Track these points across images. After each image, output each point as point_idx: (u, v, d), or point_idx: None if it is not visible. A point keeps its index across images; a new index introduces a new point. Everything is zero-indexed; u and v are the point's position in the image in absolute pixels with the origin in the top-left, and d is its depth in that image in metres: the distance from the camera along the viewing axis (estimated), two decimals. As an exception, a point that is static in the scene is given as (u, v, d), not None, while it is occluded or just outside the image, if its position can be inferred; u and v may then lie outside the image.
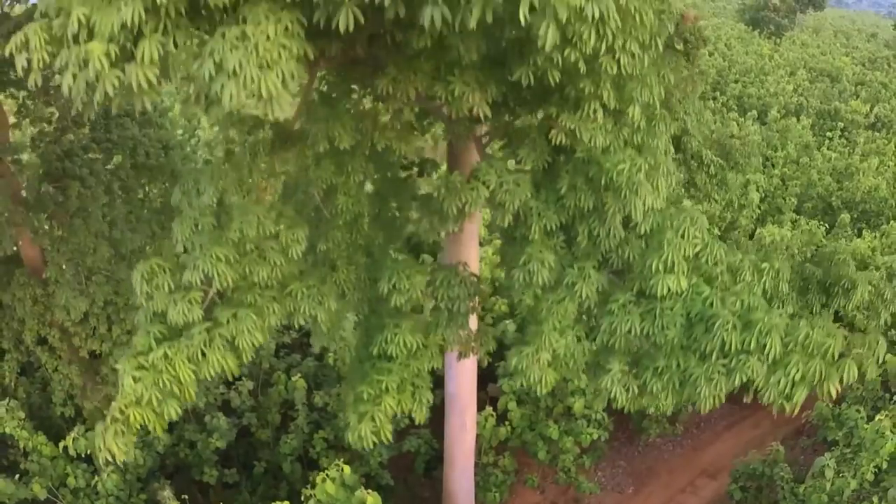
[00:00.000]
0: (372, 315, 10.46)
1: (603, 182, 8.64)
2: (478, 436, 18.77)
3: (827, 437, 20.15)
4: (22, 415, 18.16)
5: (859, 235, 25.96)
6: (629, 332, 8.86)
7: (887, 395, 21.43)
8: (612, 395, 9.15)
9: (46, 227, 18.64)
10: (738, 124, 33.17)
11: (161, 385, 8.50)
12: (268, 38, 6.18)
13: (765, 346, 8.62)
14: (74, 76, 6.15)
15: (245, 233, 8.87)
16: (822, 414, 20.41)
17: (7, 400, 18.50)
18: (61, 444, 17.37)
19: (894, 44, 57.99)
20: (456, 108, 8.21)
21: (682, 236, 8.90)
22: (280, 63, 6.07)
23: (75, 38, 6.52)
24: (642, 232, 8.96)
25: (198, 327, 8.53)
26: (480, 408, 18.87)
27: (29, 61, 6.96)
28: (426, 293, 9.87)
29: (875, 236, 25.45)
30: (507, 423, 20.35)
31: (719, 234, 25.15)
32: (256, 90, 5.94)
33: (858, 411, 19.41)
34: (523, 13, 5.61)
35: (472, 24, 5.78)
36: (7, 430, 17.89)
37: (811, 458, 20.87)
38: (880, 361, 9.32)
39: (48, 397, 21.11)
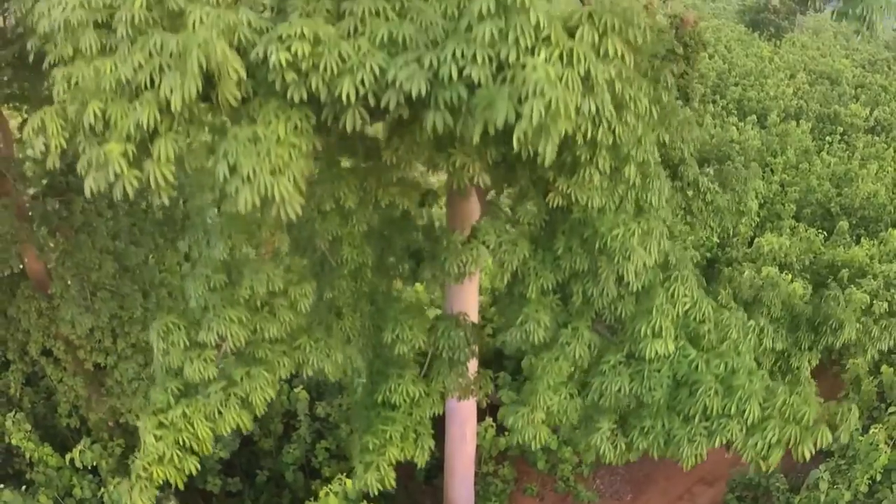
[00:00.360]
0: (376, 359, 11.15)
1: (597, 246, 9.28)
2: (478, 446, 19.55)
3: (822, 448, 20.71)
4: (28, 426, 18.80)
5: (857, 242, 26.55)
6: (619, 391, 9.57)
7: (883, 406, 22.02)
8: (601, 451, 9.91)
9: (52, 244, 19.24)
10: (737, 129, 33.62)
11: (181, 443, 9.21)
12: (278, 138, 6.79)
13: (744, 411, 9.31)
14: (96, 180, 6.76)
15: (256, 290, 9.51)
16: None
17: (13, 412, 19.21)
18: (68, 457, 18.13)
19: (894, 45, 58.13)
20: (458, 178, 8.82)
21: (673, 295, 9.56)
22: (291, 166, 6.67)
23: (92, 129, 7.15)
24: (634, 290, 9.62)
25: (214, 386, 9.22)
26: (480, 418, 19.62)
27: (46, 146, 7.63)
28: (428, 342, 10.56)
29: (873, 244, 26.03)
30: (506, 433, 21.10)
31: (718, 241, 25.71)
32: (270, 195, 6.56)
33: (853, 422, 20.17)
34: (517, 137, 6.17)
35: (476, 138, 6.39)
36: (14, 442, 18.55)
37: (808, 467, 21.67)
38: (853, 428, 10.02)
39: (53, 406, 21.78)
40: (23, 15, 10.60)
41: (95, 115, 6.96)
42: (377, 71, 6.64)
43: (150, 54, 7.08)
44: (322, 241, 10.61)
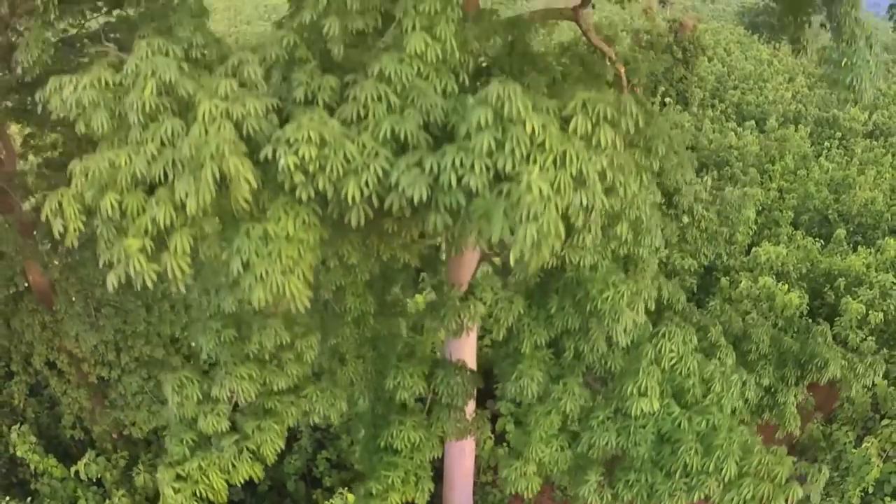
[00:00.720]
0: (378, 402, 11.84)
1: (588, 308, 9.91)
2: (476, 456, 20.32)
3: (817, 457, 21.39)
4: (33, 438, 19.45)
5: (855, 250, 27.16)
6: (606, 445, 10.27)
7: (877, 416, 22.66)
8: (589, 502, 10.62)
9: (56, 261, 19.80)
10: (736, 134, 34.06)
11: (198, 494, 9.91)
12: (288, 235, 7.38)
13: (722, 469, 10.02)
14: (117, 275, 7.37)
15: (264, 345, 10.16)
16: (813, 435, 21.79)
17: (19, 424, 19.90)
18: (73, 469, 18.85)
19: (894, 48, 58.12)
20: (456, 246, 9.43)
21: (660, 351, 10.22)
22: (300, 263, 7.28)
23: (110, 217, 7.75)
24: (623, 345, 10.27)
25: (227, 440, 9.92)
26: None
27: (65, 227, 8.25)
28: (427, 388, 11.24)
29: (870, 252, 26.64)
30: (504, 444, 21.80)
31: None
32: (281, 293, 7.17)
33: (847, 434, 20.87)
34: (514, 258, 6.74)
35: (472, 242, 7.00)
36: (19, 453, 19.21)
37: (803, 477, 22.44)
38: (822, 487, 10.72)
39: (56, 416, 22.43)
40: (30, 66, 11.16)
41: (112, 206, 7.56)
42: (381, 173, 7.22)
43: (163, 142, 7.67)
44: (326, 291, 11.22)
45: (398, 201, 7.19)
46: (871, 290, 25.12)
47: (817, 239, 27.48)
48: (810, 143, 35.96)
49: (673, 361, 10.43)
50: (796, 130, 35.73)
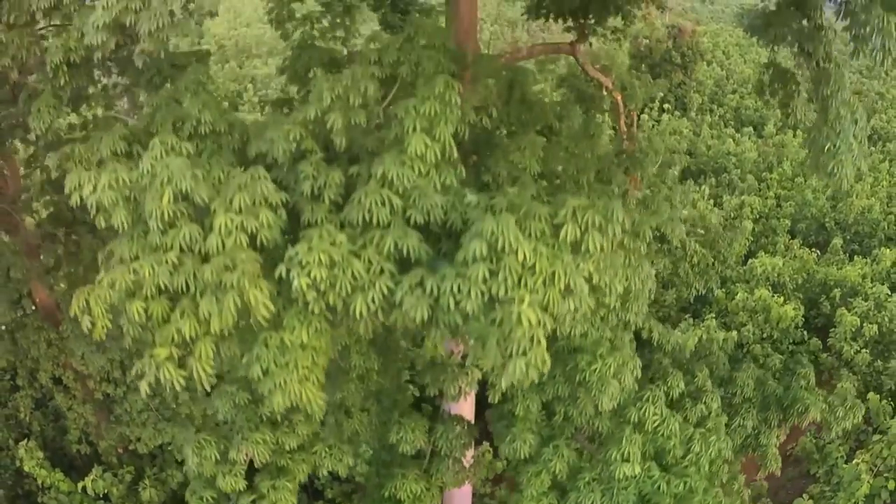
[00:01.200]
0: (382, 451, 12.98)
1: (577, 379, 10.97)
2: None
3: (810, 470, 22.47)
4: (41, 454, 20.54)
5: (851, 259, 28.14)
6: None
7: (870, 429, 23.73)
8: (576, 560, 11.84)
9: (62, 283, 20.73)
10: (734, 140, 34.84)
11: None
12: (302, 344, 8.40)
13: None
14: (149, 383, 8.42)
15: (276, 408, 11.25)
16: (807, 448, 22.89)
17: (26, 440, 21.00)
18: (80, 485, 20.03)
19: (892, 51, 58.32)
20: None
21: (644, 414, 11.32)
22: (315, 371, 8.32)
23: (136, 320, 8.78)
24: (610, 409, 11.36)
25: (244, 500, 11.06)
26: (478, 443, 21.56)
27: (93, 323, 9.29)
28: (428, 441, 12.37)
29: (866, 262, 27.61)
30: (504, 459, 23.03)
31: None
32: (297, 399, 8.22)
33: (839, 448, 21.95)
34: (506, 388, 7.75)
35: (470, 360, 8.02)
36: (27, 468, 20.32)
37: (798, 485, 23.58)
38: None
39: (62, 429, 23.51)
40: (42, 133, 12.06)
41: (139, 313, 8.58)
42: (385, 291, 8.22)
43: (181, 248, 8.67)
44: (332, 350, 12.28)
45: (402, 319, 8.20)
46: (866, 301, 26.07)
47: (813, 249, 28.36)
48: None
49: (656, 423, 11.52)
50: (794, 136, 36.49)
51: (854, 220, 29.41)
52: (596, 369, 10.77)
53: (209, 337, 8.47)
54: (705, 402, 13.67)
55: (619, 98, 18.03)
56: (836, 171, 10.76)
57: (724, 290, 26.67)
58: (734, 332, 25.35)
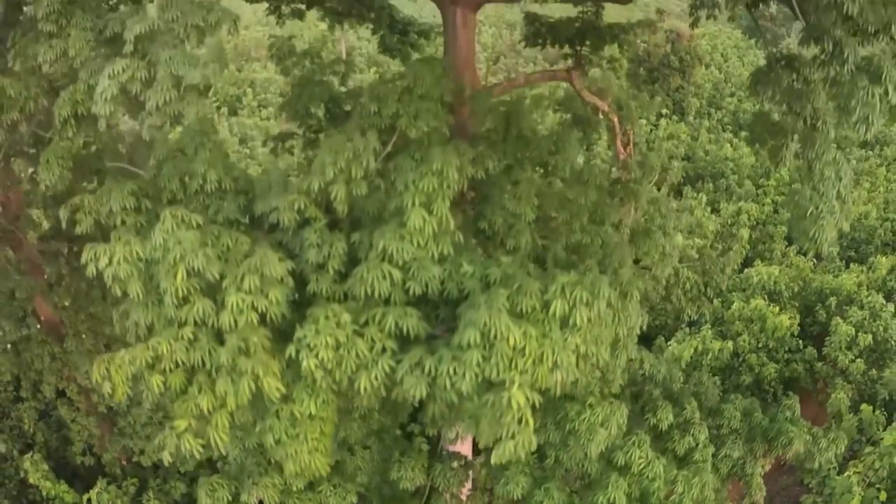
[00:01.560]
0: (384, 485, 14.02)
1: (567, 428, 11.97)
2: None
3: (803, 479, 23.46)
4: (46, 466, 21.52)
5: (847, 266, 28.99)
6: (582, 548, 12.51)
7: (863, 439, 24.70)
8: None
9: (67, 302, 21.57)
10: (731, 145, 35.54)
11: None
12: (311, 415, 9.39)
13: None
14: (170, 453, 9.41)
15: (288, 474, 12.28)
16: (800, 457, 23.91)
17: (31, 453, 21.98)
18: (85, 497, 21.04)
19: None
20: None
21: (630, 457, 12.33)
22: (323, 441, 9.31)
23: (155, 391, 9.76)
24: (597, 453, 12.39)
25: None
26: (476, 453, 22.65)
27: (113, 389, 10.26)
28: (427, 479, 13.42)
29: (862, 270, 28.47)
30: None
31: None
32: (307, 468, 9.23)
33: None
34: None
35: (464, 431, 9.02)
36: (32, 481, 21.30)
37: (792, 493, 24.57)
38: None
39: (65, 439, 24.45)
40: (52, 184, 12.87)
41: (158, 386, 9.55)
42: (387, 369, 9.19)
43: (196, 323, 9.61)
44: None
45: (402, 395, 9.18)
46: (861, 310, 26.93)
47: (810, 258, 29.12)
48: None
49: (641, 466, 12.55)
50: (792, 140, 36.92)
51: (851, 226, 30.22)
52: (585, 418, 11.76)
53: (225, 409, 9.44)
54: (693, 434, 14.71)
55: (615, 120, 18.86)
56: (816, 235, 11.41)
57: (720, 299, 27.59)
58: (730, 343, 26.39)
